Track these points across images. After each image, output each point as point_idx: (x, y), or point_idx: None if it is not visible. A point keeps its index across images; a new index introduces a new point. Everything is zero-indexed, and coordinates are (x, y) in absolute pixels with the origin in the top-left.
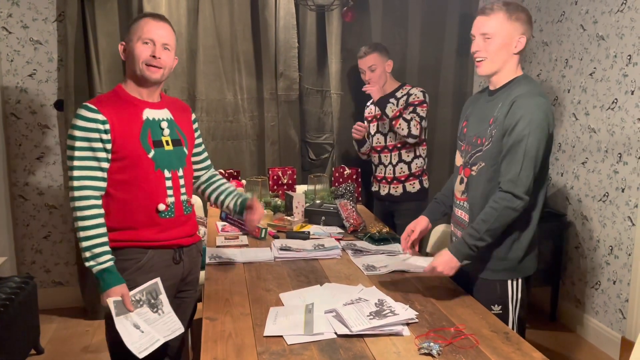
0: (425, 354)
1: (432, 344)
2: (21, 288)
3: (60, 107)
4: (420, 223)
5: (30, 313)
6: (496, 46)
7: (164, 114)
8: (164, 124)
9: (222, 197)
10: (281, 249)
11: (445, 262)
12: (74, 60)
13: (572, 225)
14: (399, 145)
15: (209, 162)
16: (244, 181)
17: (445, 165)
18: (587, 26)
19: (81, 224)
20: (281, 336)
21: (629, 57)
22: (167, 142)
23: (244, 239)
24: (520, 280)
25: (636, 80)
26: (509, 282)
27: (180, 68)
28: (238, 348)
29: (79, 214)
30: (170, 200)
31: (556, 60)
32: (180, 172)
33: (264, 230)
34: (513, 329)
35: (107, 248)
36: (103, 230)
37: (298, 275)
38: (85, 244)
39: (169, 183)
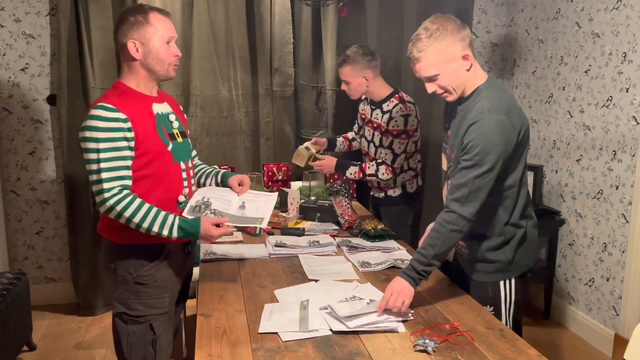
0: (420, 350)
1: (427, 340)
2: (13, 284)
3: (52, 102)
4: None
5: (23, 309)
6: (448, 80)
7: (167, 107)
8: (172, 117)
9: (202, 180)
10: (276, 246)
11: (401, 291)
12: (67, 54)
13: (566, 223)
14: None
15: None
16: None
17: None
18: (582, 23)
19: (128, 213)
20: (276, 333)
21: (624, 55)
22: (177, 134)
23: (239, 235)
24: (513, 281)
25: (631, 77)
26: (501, 283)
27: None
28: (232, 345)
29: (120, 207)
30: (186, 191)
31: (551, 58)
32: (190, 164)
33: (258, 227)
34: None
35: (163, 212)
36: (148, 204)
37: (293, 271)
38: (145, 225)
39: (184, 175)
